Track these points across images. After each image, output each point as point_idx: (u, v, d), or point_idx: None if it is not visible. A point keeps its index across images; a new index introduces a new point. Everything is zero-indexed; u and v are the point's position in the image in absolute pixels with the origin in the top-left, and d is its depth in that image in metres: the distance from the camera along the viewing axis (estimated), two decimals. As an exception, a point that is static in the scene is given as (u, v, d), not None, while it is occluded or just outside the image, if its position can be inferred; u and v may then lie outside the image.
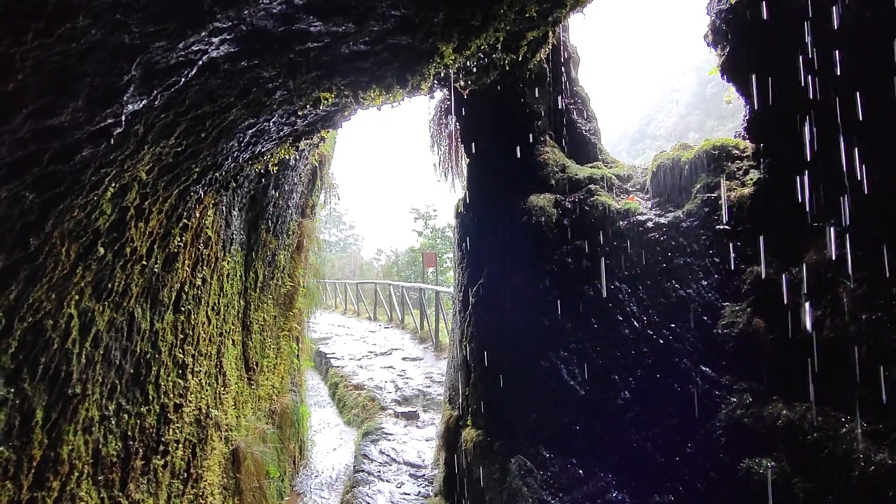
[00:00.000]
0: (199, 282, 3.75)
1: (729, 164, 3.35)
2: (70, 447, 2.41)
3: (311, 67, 2.29)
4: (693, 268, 3.32)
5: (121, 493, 2.86)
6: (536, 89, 4.77)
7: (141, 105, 1.76)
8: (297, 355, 7.42)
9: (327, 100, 2.70)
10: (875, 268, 2.37)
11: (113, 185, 2.12)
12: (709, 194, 3.35)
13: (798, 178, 2.71)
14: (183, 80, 1.82)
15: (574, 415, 3.77)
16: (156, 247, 2.91)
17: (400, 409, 8.46)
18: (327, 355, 12.36)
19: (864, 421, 2.31)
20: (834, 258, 2.53)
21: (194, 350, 3.80)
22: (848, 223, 2.49)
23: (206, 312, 4.02)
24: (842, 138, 2.49)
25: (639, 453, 3.33)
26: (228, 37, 1.77)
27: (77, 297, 2.29)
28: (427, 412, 8.44)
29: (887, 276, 2.33)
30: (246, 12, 1.69)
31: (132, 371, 2.93)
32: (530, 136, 4.72)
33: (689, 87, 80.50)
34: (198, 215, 3.43)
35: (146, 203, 2.57)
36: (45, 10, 1.23)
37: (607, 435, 3.55)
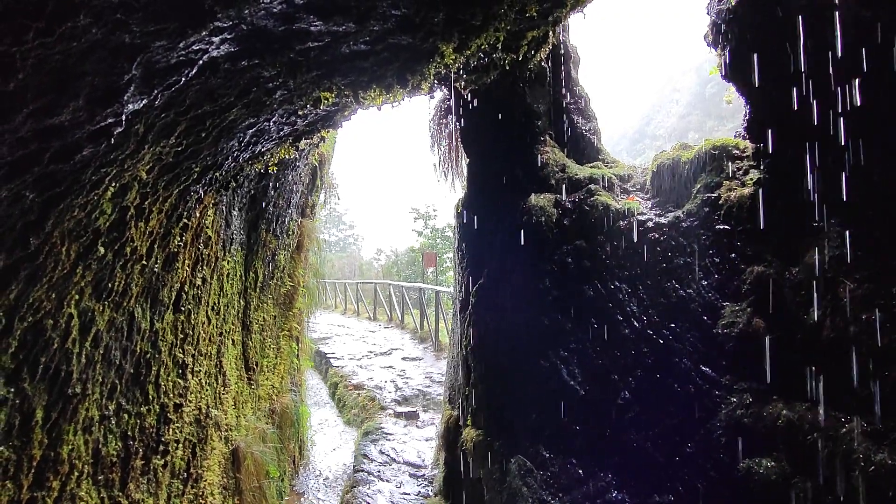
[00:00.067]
0: (199, 281, 3.75)
1: (729, 164, 3.35)
2: (70, 447, 2.41)
3: (312, 67, 2.29)
4: (693, 268, 3.32)
5: (121, 493, 2.86)
6: (537, 89, 4.77)
7: (141, 104, 1.76)
8: (297, 355, 7.42)
9: (328, 99, 2.70)
10: (875, 268, 2.37)
11: (113, 184, 2.12)
12: (709, 194, 3.35)
13: (798, 177, 2.71)
14: (183, 79, 1.82)
15: (574, 415, 3.77)
16: (156, 246, 2.91)
17: (400, 409, 8.46)
18: (327, 355, 12.35)
19: (863, 421, 2.32)
20: (834, 258, 2.53)
21: (194, 350, 3.80)
22: (848, 223, 2.49)
23: (206, 312, 4.02)
24: (842, 138, 2.49)
25: (639, 453, 3.33)
26: (229, 36, 1.77)
27: (77, 297, 2.29)
28: (427, 412, 8.44)
29: (887, 276, 2.33)
30: (246, 12, 1.69)
31: (132, 371, 2.93)
32: (530, 136, 4.72)
33: (689, 87, 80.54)
34: (198, 215, 3.43)
35: (146, 203, 2.57)
36: (46, 10, 1.23)
37: (607, 435, 3.55)
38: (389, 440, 7.18)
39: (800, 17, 2.64)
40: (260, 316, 5.77)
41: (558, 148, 4.76)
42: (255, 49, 1.94)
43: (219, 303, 4.32)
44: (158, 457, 3.27)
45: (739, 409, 2.85)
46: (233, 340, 4.82)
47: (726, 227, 3.18)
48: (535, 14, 2.81)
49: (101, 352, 2.59)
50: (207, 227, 3.76)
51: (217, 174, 3.18)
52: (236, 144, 2.89)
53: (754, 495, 2.66)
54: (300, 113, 2.84)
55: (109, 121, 1.69)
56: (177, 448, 3.52)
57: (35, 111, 1.44)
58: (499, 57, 3.41)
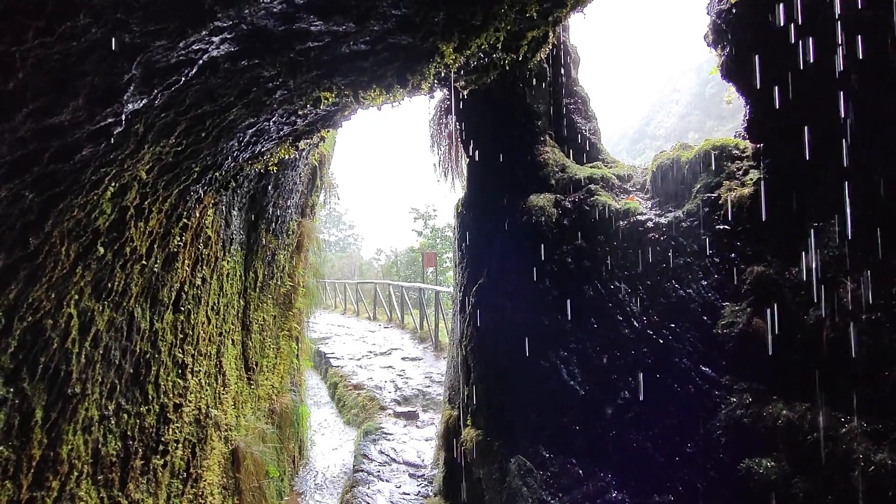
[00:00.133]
0: (198, 281, 3.75)
1: (729, 164, 3.35)
2: (69, 447, 2.41)
3: (312, 67, 2.29)
4: (693, 268, 3.32)
5: (120, 493, 2.85)
6: (536, 89, 4.77)
7: (141, 104, 1.76)
8: (297, 355, 7.42)
9: (327, 99, 2.70)
10: (875, 268, 2.37)
11: (113, 184, 2.11)
12: (709, 194, 3.35)
13: (798, 177, 2.71)
14: (183, 79, 1.82)
15: (574, 415, 3.77)
16: (156, 246, 2.91)
17: (399, 409, 8.46)
18: (327, 355, 12.35)
19: (863, 421, 2.32)
20: (834, 258, 2.53)
21: (194, 350, 3.79)
22: (848, 223, 2.49)
23: (206, 312, 4.02)
24: (842, 138, 2.49)
25: (639, 453, 3.33)
26: (229, 36, 1.77)
27: (77, 297, 2.29)
28: (427, 412, 8.44)
29: (887, 276, 2.33)
30: (246, 11, 1.68)
31: (132, 371, 2.92)
32: (530, 135, 4.72)
33: (688, 87, 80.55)
34: (198, 215, 3.43)
35: (146, 202, 2.57)
36: (46, 9, 1.23)
37: (607, 435, 3.55)
38: (389, 440, 7.18)
39: (800, 17, 2.64)
40: (260, 316, 5.76)
41: (558, 148, 4.75)
42: (255, 49, 1.94)
43: (218, 303, 4.32)
44: (158, 457, 3.27)
45: (739, 409, 2.85)
46: (232, 340, 4.82)
47: (726, 227, 3.18)
48: (535, 14, 2.81)
49: (101, 352, 2.59)
50: (207, 227, 3.76)
51: (217, 174, 3.18)
52: (236, 144, 2.89)
53: (754, 495, 2.66)
54: (300, 113, 2.84)
55: (109, 120, 1.69)
56: (176, 448, 3.52)
57: (35, 111, 1.43)
58: (499, 57, 3.41)
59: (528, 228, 4.28)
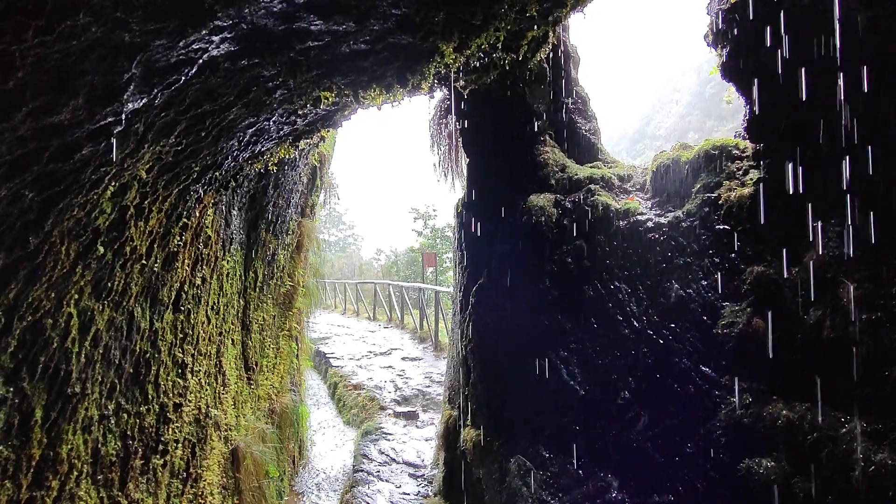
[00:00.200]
0: (198, 281, 3.75)
1: (729, 164, 3.35)
2: (69, 446, 2.40)
3: (312, 66, 2.28)
4: (693, 268, 3.32)
5: (120, 493, 2.85)
6: (536, 89, 4.77)
7: (141, 104, 1.76)
8: (297, 355, 7.42)
9: (328, 99, 2.70)
10: (875, 268, 2.37)
11: (113, 183, 2.11)
12: (709, 194, 3.35)
13: (798, 177, 2.71)
14: (183, 78, 1.82)
15: (574, 415, 3.77)
16: (155, 246, 2.91)
17: (399, 409, 8.46)
18: (327, 355, 12.35)
19: (863, 421, 2.31)
20: (834, 258, 2.53)
21: (194, 349, 3.79)
22: (848, 223, 2.49)
23: (206, 312, 4.02)
24: (842, 137, 2.49)
25: (638, 453, 3.33)
26: (229, 35, 1.77)
27: (77, 296, 2.29)
28: (426, 412, 8.44)
29: (887, 276, 2.33)
30: (247, 11, 1.68)
31: (131, 370, 2.92)
32: (530, 135, 4.72)
33: (688, 87, 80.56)
34: (197, 214, 3.43)
35: (146, 202, 2.57)
36: (46, 8, 1.23)
37: (607, 435, 3.55)
38: (389, 440, 7.18)
39: (800, 17, 2.64)
40: (259, 316, 5.76)
41: (558, 148, 4.75)
42: (255, 48, 1.94)
43: (218, 302, 4.32)
44: (158, 456, 3.27)
45: (739, 409, 2.85)
46: (232, 340, 4.82)
47: (726, 227, 3.18)
48: (535, 14, 2.81)
49: (101, 351, 2.58)
50: (207, 227, 3.76)
51: (217, 174, 3.18)
52: (236, 144, 2.89)
53: (754, 495, 2.66)
54: (300, 112, 2.83)
55: (109, 120, 1.69)
56: (176, 448, 3.52)
57: (34, 110, 1.43)
58: (499, 57, 3.41)
59: (528, 228, 4.28)
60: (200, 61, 1.80)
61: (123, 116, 1.72)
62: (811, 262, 2.63)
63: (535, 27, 3.13)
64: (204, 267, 3.83)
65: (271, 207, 5.50)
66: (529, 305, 4.22)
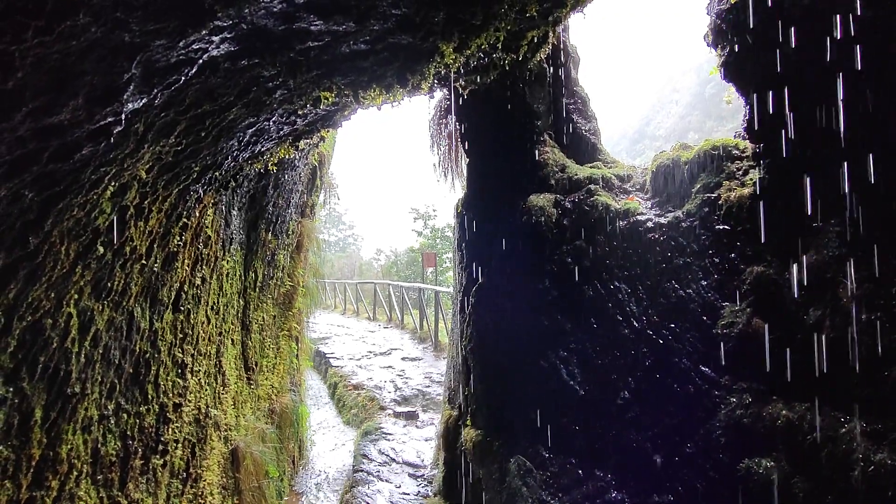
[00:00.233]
0: (198, 281, 3.75)
1: (729, 164, 3.35)
2: (69, 446, 2.40)
3: (312, 66, 2.28)
4: (693, 268, 3.32)
5: (120, 493, 2.85)
6: (536, 89, 4.77)
7: (141, 104, 1.76)
8: (297, 355, 7.42)
9: (327, 99, 2.70)
10: (875, 268, 2.37)
11: (113, 183, 2.11)
12: (708, 194, 3.35)
13: (798, 178, 2.71)
14: (183, 78, 1.82)
15: (574, 415, 3.77)
16: (155, 246, 2.91)
17: (399, 409, 8.46)
18: (327, 355, 12.35)
19: (863, 421, 2.31)
20: (834, 258, 2.53)
21: (193, 349, 3.79)
22: (848, 223, 2.49)
23: (206, 312, 4.02)
24: (842, 137, 2.49)
25: (638, 453, 3.33)
26: (229, 35, 1.77)
27: (76, 296, 2.29)
28: (426, 412, 8.44)
29: (887, 276, 2.33)
30: (247, 11, 1.68)
31: (131, 370, 2.92)
32: (530, 135, 4.72)
33: (688, 87, 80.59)
34: (197, 214, 3.43)
35: (146, 202, 2.57)
36: (46, 8, 1.23)
37: (607, 435, 3.55)
38: (389, 440, 7.18)
39: (800, 17, 2.64)
40: (259, 316, 5.76)
41: (558, 148, 4.75)
42: (255, 48, 1.94)
43: (218, 302, 4.32)
44: (158, 456, 3.27)
45: (739, 410, 2.85)
46: (232, 340, 4.82)
47: (726, 227, 3.18)
48: (535, 14, 2.81)
49: (101, 351, 2.58)
50: (207, 227, 3.76)
51: (217, 174, 3.18)
52: (236, 144, 2.89)
53: (754, 495, 2.66)
54: (300, 112, 2.83)
55: (109, 120, 1.69)
56: (176, 448, 3.52)
57: (34, 110, 1.43)
58: (499, 57, 3.41)
59: (528, 228, 4.28)
60: (200, 61, 1.80)
61: (123, 116, 1.72)
62: (811, 263, 2.63)
63: (535, 27, 3.13)
64: (204, 267, 3.83)
65: (271, 207, 5.50)
66: (529, 305, 4.22)
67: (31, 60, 1.30)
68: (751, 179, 3.16)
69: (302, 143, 3.85)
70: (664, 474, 3.16)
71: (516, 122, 4.77)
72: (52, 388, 2.25)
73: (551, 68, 4.80)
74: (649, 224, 3.64)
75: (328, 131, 3.98)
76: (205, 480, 3.98)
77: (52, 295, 2.11)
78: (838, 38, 2.47)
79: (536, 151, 4.64)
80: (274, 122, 2.84)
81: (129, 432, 2.93)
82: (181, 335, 3.55)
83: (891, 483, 2.15)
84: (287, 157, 4.42)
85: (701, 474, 2.98)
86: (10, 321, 1.93)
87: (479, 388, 4.72)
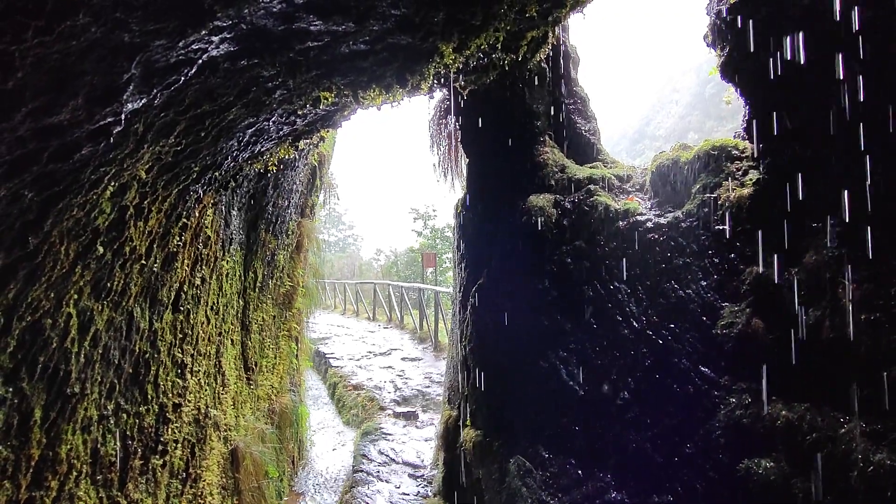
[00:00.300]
0: (198, 281, 3.74)
1: (728, 164, 3.35)
2: (68, 446, 2.40)
3: (311, 67, 2.29)
4: (692, 268, 3.32)
5: (119, 493, 2.85)
6: (536, 89, 4.77)
7: (141, 104, 1.76)
8: (297, 355, 7.42)
9: (327, 99, 2.70)
10: (874, 268, 2.37)
11: (112, 183, 2.11)
12: (708, 195, 3.35)
13: (798, 178, 2.71)
14: (183, 78, 1.82)
15: (573, 415, 3.77)
16: (155, 246, 2.91)
17: (399, 410, 8.46)
18: (326, 355, 12.35)
19: (862, 421, 2.32)
20: (833, 258, 2.53)
21: (193, 350, 3.79)
22: (847, 223, 2.49)
23: (205, 312, 4.02)
24: (842, 138, 2.49)
25: (638, 454, 3.33)
26: (228, 35, 1.77)
27: (76, 296, 2.29)
28: (426, 412, 8.43)
29: (887, 276, 2.33)
30: (246, 11, 1.68)
31: (131, 370, 2.92)
32: (530, 136, 4.72)
33: (688, 87, 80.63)
34: (197, 215, 3.43)
35: (146, 202, 2.57)
36: (46, 8, 1.23)
37: (606, 435, 3.55)
38: (388, 440, 7.18)
39: (800, 17, 2.65)
40: (259, 316, 5.76)
41: (558, 148, 4.76)
42: (255, 48, 1.94)
43: (218, 303, 4.32)
44: (157, 457, 3.27)
45: (738, 410, 2.85)
46: (232, 340, 4.82)
47: (725, 227, 3.18)
48: (534, 14, 2.82)
49: (100, 351, 2.58)
50: (207, 227, 3.76)
51: (216, 174, 3.18)
52: (236, 144, 2.89)
53: (753, 496, 2.66)
54: (300, 113, 2.84)
55: (109, 120, 1.69)
56: (176, 448, 3.52)
57: (34, 110, 1.43)
58: (498, 57, 3.41)
59: (528, 229, 4.28)
60: (200, 61, 1.80)
61: (123, 117, 1.72)
62: (810, 263, 2.63)
63: (535, 28, 3.13)
64: (203, 267, 3.83)
65: (271, 208, 5.50)
66: (529, 305, 4.22)
67: (30, 60, 1.30)
68: (750, 180, 3.16)
69: (302, 144, 3.85)
70: (664, 474, 3.16)
71: (516, 123, 4.77)
72: (51, 388, 2.25)
73: (551, 69, 4.81)
74: (649, 224, 3.64)
75: (328, 131, 3.98)
76: (204, 481, 3.98)
77: (52, 295, 2.11)
78: (838, 37, 2.47)
79: (536, 152, 4.64)
80: (273, 122, 2.84)
81: (128, 432, 2.93)
82: (181, 335, 3.55)
83: (890, 483, 2.15)
84: (287, 157, 4.42)
85: (700, 474, 2.98)
86: (9, 321, 1.93)
87: (478, 388, 4.72)
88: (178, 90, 1.90)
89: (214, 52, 1.81)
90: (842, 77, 2.48)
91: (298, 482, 6.65)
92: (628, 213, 3.79)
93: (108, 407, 2.74)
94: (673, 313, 3.35)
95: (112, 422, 2.78)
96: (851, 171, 2.47)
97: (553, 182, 4.43)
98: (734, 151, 3.39)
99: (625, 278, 3.68)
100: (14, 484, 2.08)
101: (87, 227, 2.15)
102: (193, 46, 1.69)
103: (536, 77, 4.74)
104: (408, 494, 5.74)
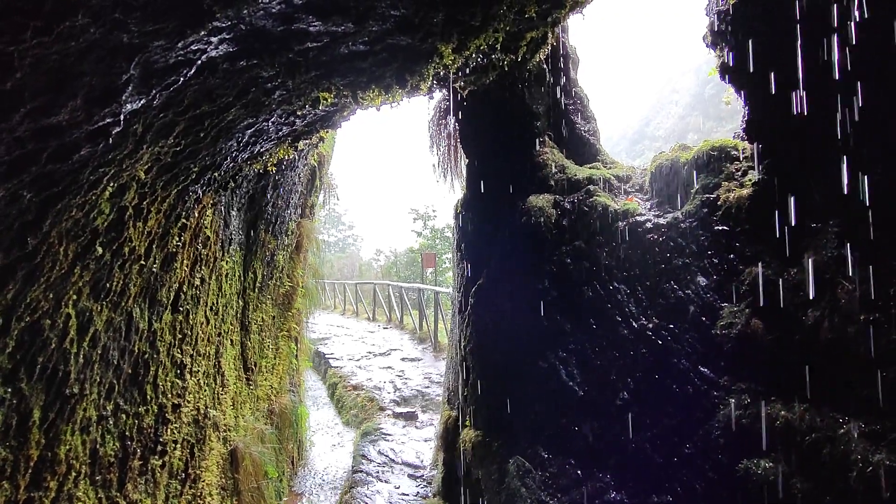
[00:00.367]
0: (197, 282, 3.74)
1: (728, 164, 3.35)
2: (67, 447, 2.40)
3: (310, 67, 2.29)
4: (692, 268, 3.32)
5: (118, 494, 2.85)
6: (536, 90, 4.77)
7: (139, 104, 1.76)
8: (296, 355, 7.42)
9: (326, 100, 2.70)
10: (874, 268, 2.37)
11: (111, 184, 2.11)
12: (707, 195, 3.35)
13: (797, 178, 2.72)
14: (182, 79, 1.82)
15: (573, 415, 3.77)
16: (154, 246, 2.91)
17: (399, 410, 8.46)
18: (326, 355, 12.34)
19: (862, 422, 2.32)
20: (832, 259, 2.53)
21: (192, 350, 3.79)
22: (847, 223, 2.49)
23: (205, 312, 4.02)
24: (841, 138, 2.50)
25: (637, 454, 3.33)
26: (227, 36, 1.77)
27: (75, 297, 2.29)
28: (426, 412, 8.43)
29: (886, 276, 2.33)
30: (245, 12, 1.68)
31: (130, 371, 2.92)
32: (529, 136, 4.72)
33: (688, 88, 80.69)
34: (196, 215, 3.43)
35: (145, 203, 2.57)
36: (45, 8, 1.23)
37: (606, 435, 3.55)
38: (388, 441, 7.18)
39: (799, 17, 2.65)
40: (259, 316, 5.76)
41: (557, 148, 4.76)
42: (254, 49, 1.94)
43: (217, 303, 4.32)
44: (156, 457, 3.27)
45: (738, 410, 2.85)
46: (231, 341, 4.82)
47: (725, 227, 3.18)
48: (533, 15, 2.82)
49: (99, 352, 2.58)
50: (206, 228, 3.75)
51: (216, 174, 3.18)
52: (235, 145, 2.89)
53: (752, 496, 2.66)
54: (299, 113, 2.84)
55: (107, 121, 1.69)
56: (175, 448, 3.51)
57: (32, 111, 1.43)
58: (498, 58, 3.41)
59: (528, 229, 4.28)
60: (199, 62, 1.80)
61: (122, 117, 1.72)
62: (810, 263, 2.63)
63: (534, 28, 3.13)
64: (203, 267, 3.83)
65: (270, 208, 5.50)
66: (529, 306, 4.22)
67: (29, 61, 1.30)
68: (749, 180, 3.16)
69: (301, 144, 3.85)
70: (663, 475, 3.16)
71: (516, 123, 4.77)
72: (50, 388, 2.25)
73: (550, 69, 4.81)
74: (648, 225, 3.65)
75: (327, 132, 3.98)
76: (204, 481, 3.97)
77: (51, 295, 2.11)
78: (838, 37, 2.48)
79: (536, 152, 4.64)
80: (273, 122, 2.84)
81: (127, 433, 2.92)
82: (180, 336, 3.55)
83: (889, 483, 2.15)
84: (286, 157, 4.42)
85: (700, 475, 2.98)
86: (8, 322, 1.93)
87: (478, 388, 4.72)
88: (177, 91, 1.90)
89: (213, 53, 1.81)
90: (841, 77, 2.48)
91: (298, 482, 6.65)
92: (628, 214, 3.79)
93: (108, 407, 2.74)
94: (672, 313, 3.36)
95: (111, 422, 2.78)
96: (851, 172, 2.47)
97: (553, 182, 4.43)
98: (733, 152, 3.39)
99: (624, 279, 3.68)
100: (13, 484, 2.08)
101: (86, 227, 2.15)
102: (192, 47, 1.69)
103: (536, 77, 4.74)
104: (407, 495, 5.74)
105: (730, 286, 3.09)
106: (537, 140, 4.71)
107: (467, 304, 4.95)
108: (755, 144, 3.15)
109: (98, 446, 2.66)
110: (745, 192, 3.12)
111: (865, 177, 2.41)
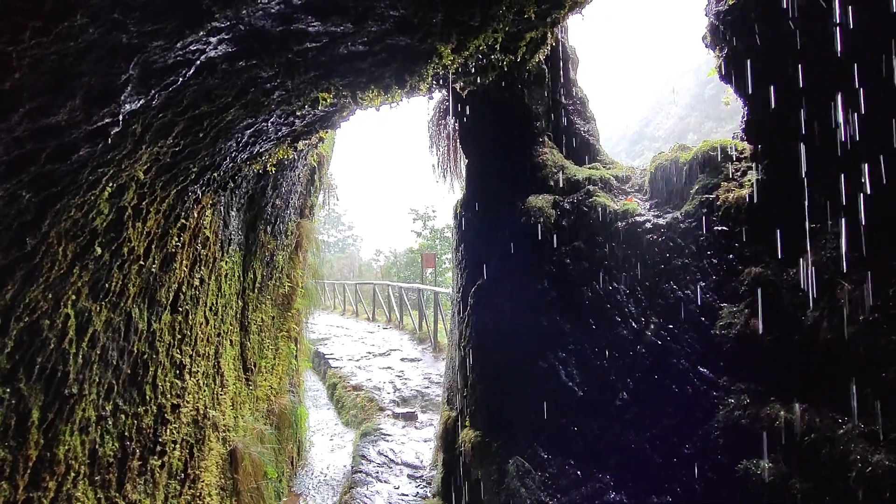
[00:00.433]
0: (196, 282, 3.74)
1: (727, 165, 3.36)
2: (66, 447, 2.40)
3: (310, 68, 2.29)
4: (691, 269, 3.32)
5: (118, 494, 2.85)
6: (535, 90, 4.78)
7: (138, 105, 1.76)
8: (296, 356, 7.41)
9: (325, 100, 2.70)
10: (873, 269, 2.37)
11: (110, 184, 2.11)
12: (707, 195, 3.36)
13: (796, 178, 2.71)
14: (181, 79, 1.82)
15: (572, 415, 3.77)
16: (153, 247, 2.91)
17: (398, 410, 8.45)
18: (326, 356, 12.34)
19: (861, 422, 2.32)
20: (832, 259, 2.53)
21: (192, 350, 3.79)
22: (846, 224, 2.49)
23: (204, 313, 4.02)
24: (841, 138, 2.50)
25: (637, 454, 3.33)
26: (226, 36, 1.77)
27: (74, 297, 2.29)
28: (425, 413, 8.43)
29: (886, 276, 2.33)
30: (244, 12, 1.68)
31: (129, 371, 2.92)
32: (529, 136, 4.72)
33: (687, 88, 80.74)
34: (196, 215, 3.43)
35: (144, 203, 2.57)
36: (44, 8, 1.23)
37: (606, 436, 3.55)
38: (388, 441, 7.17)
39: (799, 18, 2.65)
40: (258, 316, 5.76)
41: (557, 149, 4.76)
42: (253, 49, 1.94)
43: (217, 303, 4.31)
44: (156, 457, 3.26)
45: (737, 410, 2.85)
46: (231, 341, 4.82)
47: (724, 228, 3.18)
48: (533, 15, 2.82)
49: (98, 352, 2.58)
50: (205, 228, 3.75)
51: (215, 174, 3.18)
52: (234, 145, 2.89)
53: (752, 496, 2.66)
54: (298, 113, 2.84)
55: (106, 121, 1.69)
56: (174, 449, 3.51)
57: (31, 111, 1.43)
58: (497, 58, 3.41)
59: (527, 229, 4.28)
60: (198, 62, 1.80)
61: (121, 117, 1.72)
62: (809, 264, 2.63)
63: (534, 29, 3.13)
64: (202, 268, 3.83)
65: (270, 208, 5.49)
66: (528, 306, 4.22)
67: (28, 61, 1.30)
68: (749, 180, 3.16)
69: (300, 144, 3.85)
70: (663, 475, 3.16)
71: (515, 123, 4.77)
72: (49, 388, 2.25)
73: (550, 69, 4.81)
74: (648, 225, 3.65)
75: (327, 132, 3.98)
76: (203, 481, 3.97)
77: (50, 296, 2.11)
78: (837, 37, 2.48)
79: (535, 152, 4.64)
80: (272, 122, 2.84)
81: (126, 433, 2.92)
82: (179, 336, 3.55)
83: (888, 484, 2.15)
84: (286, 157, 4.42)
85: (699, 475, 2.98)
86: (7, 322, 1.93)
87: (477, 388, 4.72)
88: (177, 91, 1.90)
89: (212, 53, 1.81)
90: (840, 77, 2.48)
91: (297, 483, 6.64)
92: (627, 214, 3.79)
93: (107, 408, 2.74)
94: (672, 314, 3.36)
95: (110, 423, 2.78)
96: (850, 172, 2.47)
97: (552, 183, 4.43)
98: (733, 152, 3.39)
99: (624, 279, 3.68)
100: (12, 485, 2.08)
101: (85, 227, 2.15)
102: (191, 47, 1.69)
103: (535, 78, 4.74)
104: (407, 495, 5.74)
105: (729, 286, 3.09)
106: (537, 140, 4.71)
107: (467, 305, 4.95)
108: (755, 145, 3.15)
109: (97, 446, 2.66)
110: (745, 192, 3.12)
111: (865, 177, 2.41)
